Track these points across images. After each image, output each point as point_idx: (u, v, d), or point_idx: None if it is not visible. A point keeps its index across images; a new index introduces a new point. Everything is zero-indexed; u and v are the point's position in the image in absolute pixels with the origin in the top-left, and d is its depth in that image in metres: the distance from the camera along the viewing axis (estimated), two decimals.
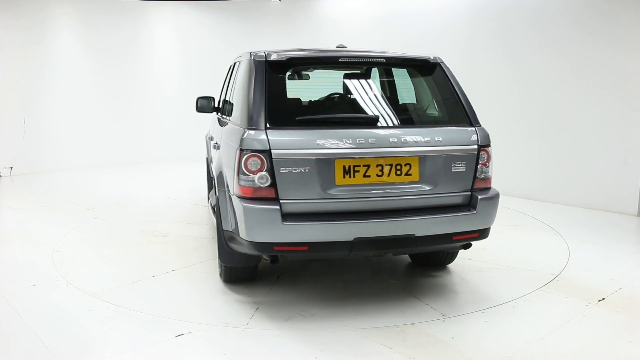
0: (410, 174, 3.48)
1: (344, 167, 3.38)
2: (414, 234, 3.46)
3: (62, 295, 4.02)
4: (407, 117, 4.09)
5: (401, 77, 4.43)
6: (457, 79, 4.00)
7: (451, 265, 4.61)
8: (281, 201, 3.35)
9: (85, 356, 3.15)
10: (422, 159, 3.50)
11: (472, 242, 3.88)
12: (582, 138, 6.77)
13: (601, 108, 6.58)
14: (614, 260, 4.84)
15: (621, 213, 6.44)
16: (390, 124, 3.72)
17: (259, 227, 3.33)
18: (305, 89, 4.54)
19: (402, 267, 4.65)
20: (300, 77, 4.53)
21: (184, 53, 10.82)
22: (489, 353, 3.17)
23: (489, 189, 3.79)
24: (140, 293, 4.05)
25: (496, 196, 3.73)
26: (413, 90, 4.28)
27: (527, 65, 7.19)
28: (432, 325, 3.52)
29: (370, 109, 3.91)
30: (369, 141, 3.43)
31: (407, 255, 4.77)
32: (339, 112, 4.16)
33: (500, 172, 7.57)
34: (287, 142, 3.37)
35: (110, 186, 8.32)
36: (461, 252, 4.94)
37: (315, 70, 4.49)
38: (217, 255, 4.30)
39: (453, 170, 3.56)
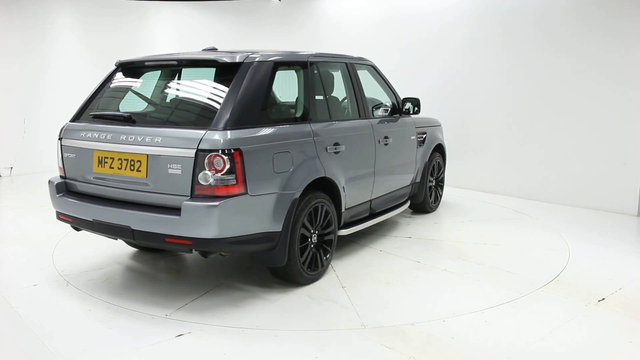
0: (140, 171, 3.77)
1: (99, 157, 3.97)
2: (129, 227, 3.72)
3: (62, 295, 4.02)
4: (157, 117, 4.18)
5: (207, 77, 4.33)
6: (250, 82, 3.81)
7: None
8: (67, 180, 4.22)
9: (85, 356, 3.15)
10: (150, 158, 3.72)
11: (219, 253, 3.76)
12: (583, 138, 6.77)
13: (601, 108, 6.58)
14: (614, 260, 4.84)
15: (621, 213, 6.44)
16: (140, 123, 3.96)
17: (50, 198, 4.27)
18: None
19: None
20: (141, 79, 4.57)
21: None
22: (489, 353, 3.17)
23: (224, 197, 3.52)
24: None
25: (211, 207, 3.46)
26: (204, 91, 4.22)
27: (528, 65, 7.18)
28: (432, 325, 3.52)
29: (136, 108, 4.30)
30: (109, 137, 3.91)
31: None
32: (117, 110, 4.36)
33: (500, 172, 7.63)
34: (69, 133, 4.19)
35: None
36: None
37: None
38: None
39: (169, 172, 3.63)
